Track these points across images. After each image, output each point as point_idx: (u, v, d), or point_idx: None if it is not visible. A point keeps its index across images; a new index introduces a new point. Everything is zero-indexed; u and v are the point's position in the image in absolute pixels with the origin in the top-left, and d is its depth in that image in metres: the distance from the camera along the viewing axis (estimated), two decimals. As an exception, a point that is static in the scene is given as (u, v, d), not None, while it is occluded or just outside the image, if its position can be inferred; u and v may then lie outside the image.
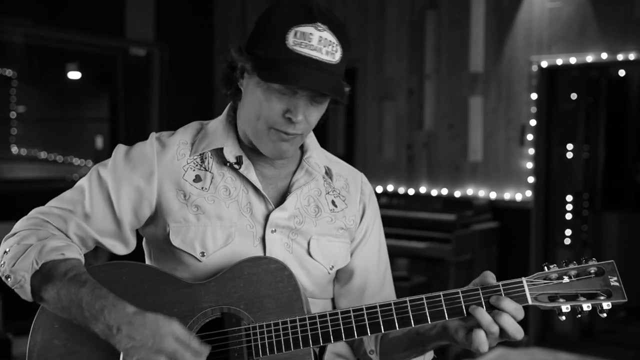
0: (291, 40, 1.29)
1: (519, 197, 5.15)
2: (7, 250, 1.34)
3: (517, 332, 1.26)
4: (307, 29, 1.29)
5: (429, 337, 1.37)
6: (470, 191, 5.38)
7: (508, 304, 1.26)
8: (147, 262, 1.51)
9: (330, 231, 1.47)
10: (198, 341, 1.25)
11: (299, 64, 1.28)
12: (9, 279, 1.31)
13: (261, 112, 1.33)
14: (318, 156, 1.51)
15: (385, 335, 1.48)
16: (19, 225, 1.39)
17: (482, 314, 1.26)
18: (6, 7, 5.22)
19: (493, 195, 5.27)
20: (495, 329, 1.25)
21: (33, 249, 1.31)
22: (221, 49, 6.72)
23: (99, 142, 6.19)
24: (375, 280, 1.54)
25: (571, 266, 1.31)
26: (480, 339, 1.25)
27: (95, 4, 5.79)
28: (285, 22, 1.30)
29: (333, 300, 1.55)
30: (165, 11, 6.26)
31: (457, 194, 5.42)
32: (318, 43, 1.29)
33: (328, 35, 1.30)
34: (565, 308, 1.28)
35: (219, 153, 1.44)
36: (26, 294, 1.31)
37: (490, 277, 1.31)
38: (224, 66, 1.42)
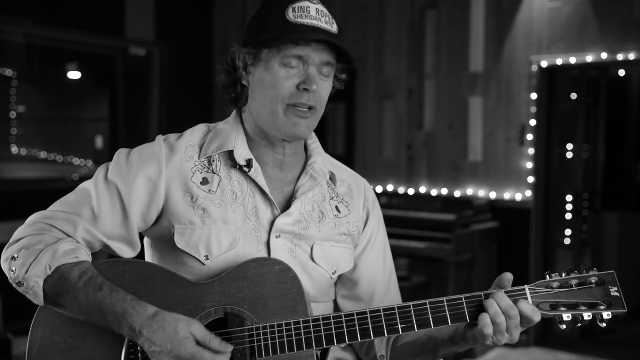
0: (291, 15, 1.36)
1: (519, 197, 5.15)
2: (16, 256, 1.31)
3: (516, 329, 1.29)
4: (304, 3, 1.37)
5: (441, 342, 1.38)
6: (470, 191, 5.38)
7: (525, 305, 1.29)
8: (148, 261, 1.51)
9: (333, 237, 1.48)
10: (219, 340, 1.25)
11: (305, 30, 1.35)
12: (22, 286, 1.30)
13: (276, 92, 1.37)
14: (323, 162, 1.52)
15: (396, 340, 1.50)
16: (21, 232, 1.36)
17: (492, 303, 1.28)
18: (6, 7, 5.22)
19: (493, 195, 5.27)
20: (501, 319, 1.27)
21: (45, 253, 1.30)
22: (221, 49, 6.72)
23: (99, 142, 6.19)
24: (381, 287, 1.55)
25: (572, 275, 1.34)
26: (485, 319, 1.28)
27: (95, 4, 5.78)
28: (282, 4, 1.37)
29: (334, 302, 1.55)
30: (165, 11, 6.25)
31: (457, 194, 5.42)
32: (316, 14, 1.37)
33: (323, 8, 1.39)
34: (567, 317, 1.31)
35: (228, 156, 1.44)
36: (39, 300, 1.31)
37: (506, 280, 1.34)
38: (222, 74, 1.46)
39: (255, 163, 1.43)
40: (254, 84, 1.42)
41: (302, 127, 1.39)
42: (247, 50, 1.40)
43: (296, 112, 1.38)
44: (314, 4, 1.38)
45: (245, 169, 1.42)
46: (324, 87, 1.40)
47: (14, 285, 1.32)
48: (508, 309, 1.27)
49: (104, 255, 1.45)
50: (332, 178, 1.52)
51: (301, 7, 1.36)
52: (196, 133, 1.47)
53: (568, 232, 5.34)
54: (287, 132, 1.39)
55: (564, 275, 1.34)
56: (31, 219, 1.38)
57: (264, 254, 1.40)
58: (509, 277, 1.33)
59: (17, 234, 1.36)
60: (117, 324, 1.25)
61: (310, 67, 1.37)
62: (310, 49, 1.35)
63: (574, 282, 1.33)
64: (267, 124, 1.41)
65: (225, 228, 1.39)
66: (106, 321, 1.26)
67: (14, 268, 1.31)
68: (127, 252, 1.42)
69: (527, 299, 1.31)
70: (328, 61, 1.38)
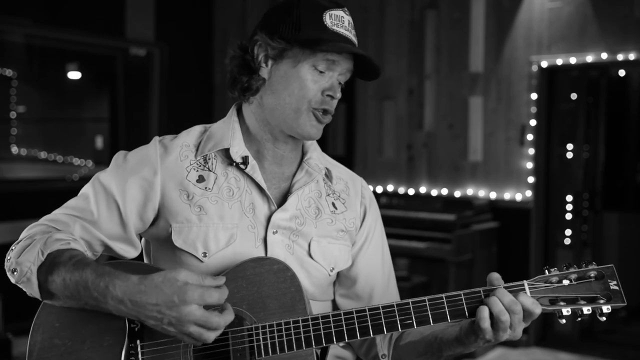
0: (329, 21, 1.39)
1: (519, 197, 5.15)
2: (13, 248, 1.35)
3: (519, 324, 1.28)
4: (339, 12, 1.41)
5: (446, 341, 1.37)
6: (470, 191, 5.38)
7: (525, 298, 1.28)
8: (146, 262, 1.51)
9: (330, 233, 1.48)
10: (210, 277, 1.24)
11: (341, 40, 1.39)
12: (15, 273, 1.30)
13: (303, 92, 1.39)
14: (318, 158, 1.53)
15: (399, 339, 1.49)
16: (24, 232, 1.39)
17: (495, 301, 1.27)
18: (6, 7, 5.22)
19: (493, 195, 5.27)
20: (505, 317, 1.26)
21: (38, 241, 1.31)
22: (221, 49, 6.72)
23: (99, 142, 6.19)
24: (380, 284, 1.55)
25: (571, 270, 1.33)
26: (482, 313, 1.27)
27: (95, 4, 5.78)
28: (318, 7, 1.39)
29: (333, 301, 1.55)
30: (165, 11, 6.25)
31: (457, 194, 5.42)
32: (348, 25, 1.42)
33: (351, 20, 1.43)
34: (566, 311, 1.31)
35: (224, 153, 1.45)
36: (33, 288, 1.29)
37: (494, 279, 1.33)
38: (235, 60, 1.45)
39: (251, 160, 1.44)
40: (276, 79, 1.41)
41: (319, 129, 1.44)
42: (277, 44, 1.39)
43: (317, 115, 1.41)
44: (347, 15, 1.42)
45: (242, 166, 1.43)
46: (340, 94, 1.44)
47: (9, 274, 1.32)
48: (511, 304, 1.27)
49: (103, 257, 1.45)
50: (328, 174, 1.53)
51: (337, 16, 1.39)
52: (192, 133, 1.49)
53: (568, 232, 5.33)
54: (303, 131, 1.42)
55: (563, 269, 1.33)
56: (35, 222, 1.41)
57: (261, 250, 1.40)
58: (496, 275, 1.32)
59: (22, 235, 1.39)
60: (103, 299, 1.21)
61: (337, 74, 1.41)
62: (341, 57, 1.39)
63: (572, 276, 1.32)
64: (282, 120, 1.42)
65: (222, 224, 1.39)
66: (93, 299, 1.22)
67: (9, 257, 1.33)
68: (128, 252, 1.43)
69: (526, 294, 1.31)
70: (350, 70, 1.43)
